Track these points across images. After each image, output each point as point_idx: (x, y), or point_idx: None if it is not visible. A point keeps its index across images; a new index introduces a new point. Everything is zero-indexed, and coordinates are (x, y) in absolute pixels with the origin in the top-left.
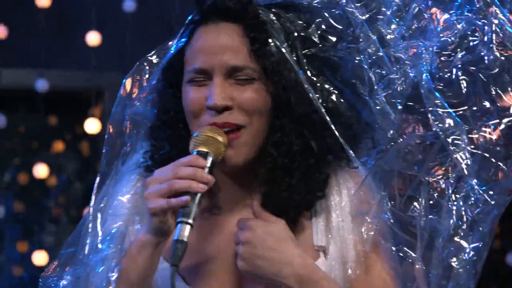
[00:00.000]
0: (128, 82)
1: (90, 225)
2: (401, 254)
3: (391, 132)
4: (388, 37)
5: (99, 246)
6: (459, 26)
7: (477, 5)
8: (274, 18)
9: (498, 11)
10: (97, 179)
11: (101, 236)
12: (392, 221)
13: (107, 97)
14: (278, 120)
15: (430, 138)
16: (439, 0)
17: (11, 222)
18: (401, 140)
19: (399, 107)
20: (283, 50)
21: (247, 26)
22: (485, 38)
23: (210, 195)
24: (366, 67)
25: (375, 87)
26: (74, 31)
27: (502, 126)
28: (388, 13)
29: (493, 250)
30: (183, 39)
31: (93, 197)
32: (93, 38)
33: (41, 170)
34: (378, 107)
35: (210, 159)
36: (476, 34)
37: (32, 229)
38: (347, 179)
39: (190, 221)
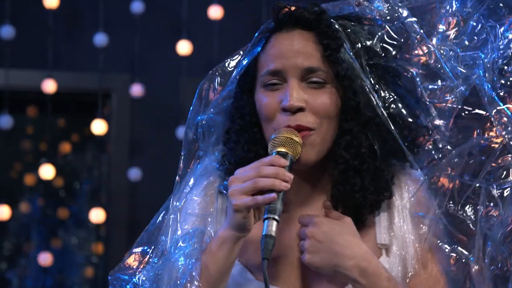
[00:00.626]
0: (201, 90)
1: (170, 223)
2: (456, 255)
3: (442, 144)
4: (443, 51)
5: (180, 243)
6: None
7: None
8: (340, 28)
9: None
10: (176, 180)
11: (181, 234)
12: (447, 222)
13: (115, 98)
14: (347, 123)
15: (493, 141)
16: (493, 10)
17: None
18: (465, 143)
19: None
20: (349, 56)
21: (320, 34)
22: None
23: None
24: (418, 79)
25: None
26: (82, 32)
27: None
28: (443, 27)
29: None
30: (258, 47)
31: (172, 198)
32: (100, 39)
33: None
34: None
35: (289, 158)
36: None
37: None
38: (408, 181)
39: (277, 217)
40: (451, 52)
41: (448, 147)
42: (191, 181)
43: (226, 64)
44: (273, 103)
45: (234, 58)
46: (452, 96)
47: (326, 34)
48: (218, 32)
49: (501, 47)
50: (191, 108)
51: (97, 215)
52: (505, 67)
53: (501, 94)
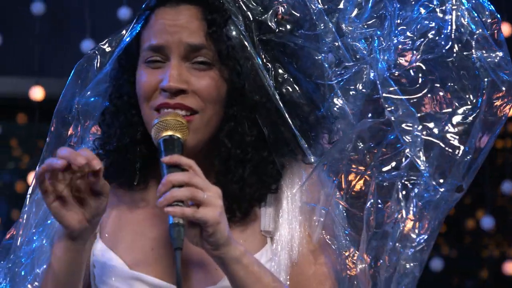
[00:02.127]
0: (78, 70)
1: (25, 216)
2: (344, 251)
3: (350, 133)
4: (346, 28)
5: (33, 237)
6: (418, 25)
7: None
8: (230, 1)
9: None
10: (37, 169)
11: (34, 228)
12: (339, 213)
13: None
14: (231, 108)
15: (382, 125)
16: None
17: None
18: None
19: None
20: (239, 32)
21: (205, 8)
22: (444, 30)
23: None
24: (322, 56)
25: (332, 80)
26: (68, 38)
27: (458, 118)
28: (347, 5)
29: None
30: (139, 24)
31: (30, 188)
32: (87, 46)
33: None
34: (336, 108)
35: (179, 143)
36: (435, 26)
37: None
38: (301, 172)
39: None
40: (352, 29)
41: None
42: None
43: (107, 44)
44: (151, 81)
45: (115, 37)
46: (361, 83)
47: (211, 8)
48: None
49: (399, 26)
50: (65, 88)
51: None
52: (401, 46)
53: (396, 74)
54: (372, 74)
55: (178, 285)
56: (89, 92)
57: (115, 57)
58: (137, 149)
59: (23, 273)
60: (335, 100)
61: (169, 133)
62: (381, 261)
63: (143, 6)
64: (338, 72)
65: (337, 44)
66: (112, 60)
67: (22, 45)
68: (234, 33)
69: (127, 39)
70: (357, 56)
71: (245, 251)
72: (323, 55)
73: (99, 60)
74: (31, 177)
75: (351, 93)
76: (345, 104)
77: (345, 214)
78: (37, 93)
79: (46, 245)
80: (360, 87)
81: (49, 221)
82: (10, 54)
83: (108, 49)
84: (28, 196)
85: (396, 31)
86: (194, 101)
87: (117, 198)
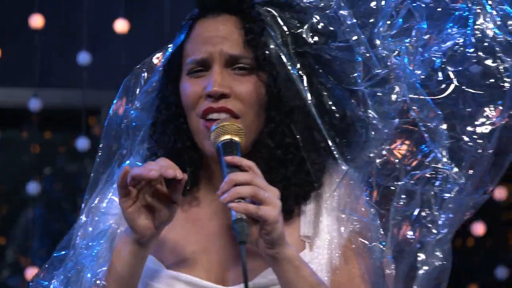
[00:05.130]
0: (126, 86)
1: (82, 223)
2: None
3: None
4: (377, 41)
5: (90, 243)
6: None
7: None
8: (268, 15)
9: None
10: (90, 181)
11: (92, 234)
12: (371, 216)
13: (103, 115)
14: (271, 112)
15: (407, 125)
16: (432, 19)
17: None
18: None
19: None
20: (276, 44)
21: (243, 17)
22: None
23: (215, 183)
24: (354, 65)
25: (363, 88)
26: (66, 50)
27: (484, 120)
28: (379, 19)
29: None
30: (182, 35)
31: (85, 198)
32: (84, 57)
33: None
34: (367, 116)
35: (238, 146)
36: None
37: None
38: (337, 174)
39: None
40: (381, 42)
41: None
42: (111, 181)
43: (153, 59)
44: (196, 90)
45: (161, 52)
46: (397, 96)
47: (248, 17)
48: None
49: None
50: (114, 102)
51: None
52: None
53: (422, 77)
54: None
55: (245, 280)
56: (137, 103)
57: (158, 69)
58: (189, 154)
59: (89, 275)
60: (366, 107)
61: (228, 137)
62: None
63: (186, 17)
64: (369, 81)
65: (368, 55)
66: (155, 72)
67: (21, 57)
68: (270, 42)
69: (170, 49)
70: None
71: (297, 252)
72: (355, 65)
73: (146, 75)
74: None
75: (380, 99)
76: (375, 111)
77: (377, 218)
78: (35, 103)
79: (105, 249)
80: (393, 99)
81: (104, 228)
82: (9, 66)
83: (155, 61)
84: (83, 207)
85: (424, 39)
86: (236, 106)
87: None
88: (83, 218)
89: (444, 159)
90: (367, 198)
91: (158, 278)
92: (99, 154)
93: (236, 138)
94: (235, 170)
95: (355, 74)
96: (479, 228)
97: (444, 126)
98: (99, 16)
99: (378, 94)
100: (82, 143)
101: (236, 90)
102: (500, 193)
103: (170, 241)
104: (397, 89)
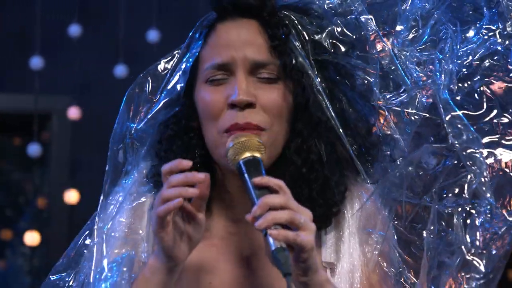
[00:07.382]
0: (129, 97)
1: (95, 248)
2: (401, 279)
3: (400, 160)
4: (400, 52)
5: (106, 272)
6: (480, 49)
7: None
8: (288, 19)
9: None
10: (101, 199)
11: (107, 261)
12: (395, 240)
13: (54, 120)
14: (297, 124)
15: (444, 150)
16: (456, 8)
17: None
18: (414, 152)
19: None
20: (299, 51)
21: (265, 23)
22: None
23: (231, 206)
24: (372, 79)
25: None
26: (19, 55)
27: None
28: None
29: None
30: (200, 40)
31: (97, 219)
32: (37, 62)
33: None
34: (386, 133)
35: (261, 163)
36: (497, 50)
37: None
38: (361, 194)
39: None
40: (408, 54)
41: None
42: (119, 199)
43: (158, 67)
44: (219, 98)
45: (166, 59)
46: (413, 107)
47: (271, 22)
48: (155, 55)
49: (461, 49)
50: (118, 116)
51: (32, 238)
52: (464, 70)
53: (458, 99)
54: (424, 99)
55: None
56: (146, 120)
57: (174, 86)
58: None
59: None
60: (386, 124)
61: (249, 154)
62: None
63: (199, 21)
64: (392, 97)
65: (393, 67)
66: (170, 89)
67: None
68: (294, 49)
69: (184, 59)
70: (413, 80)
71: (329, 277)
72: (373, 79)
73: (150, 85)
74: None
75: (403, 118)
76: (396, 130)
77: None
78: None
79: (124, 279)
80: (413, 113)
81: (121, 256)
82: None
83: (159, 72)
84: (96, 229)
85: (457, 54)
86: (261, 118)
87: None
88: (95, 240)
89: (485, 189)
90: (395, 222)
91: None
92: (107, 170)
93: (257, 154)
94: (264, 191)
95: (375, 90)
96: None
97: (485, 153)
98: (53, 21)
99: (405, 111)
100: (33, 149)
101: (262, 99)
102: None
103: (187, 271)
104: (417, 104)
